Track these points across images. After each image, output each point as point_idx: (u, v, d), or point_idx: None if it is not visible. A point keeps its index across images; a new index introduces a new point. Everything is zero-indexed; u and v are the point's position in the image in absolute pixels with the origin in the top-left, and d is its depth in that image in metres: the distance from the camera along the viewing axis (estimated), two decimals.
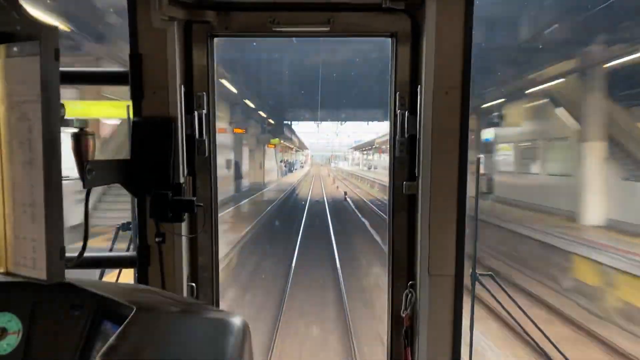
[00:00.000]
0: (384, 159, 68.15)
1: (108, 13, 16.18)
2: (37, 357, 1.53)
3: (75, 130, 1.79)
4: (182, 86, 2.41)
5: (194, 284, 2.57)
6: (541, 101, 24.02)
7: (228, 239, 19.32)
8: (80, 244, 1.84)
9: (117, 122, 18.23)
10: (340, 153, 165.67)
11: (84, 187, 1.87)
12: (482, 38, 19.59)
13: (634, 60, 17.12)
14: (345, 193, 42.76)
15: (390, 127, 2.58)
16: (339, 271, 15.74)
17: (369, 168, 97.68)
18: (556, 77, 21.44)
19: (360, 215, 29.70)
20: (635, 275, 12.40)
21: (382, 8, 2.39)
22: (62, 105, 1.35)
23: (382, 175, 52.53)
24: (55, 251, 1.32)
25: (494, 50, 21.22)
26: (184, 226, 2.44)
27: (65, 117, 1.43)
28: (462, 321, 2.48)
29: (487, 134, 30.46)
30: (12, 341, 1.54)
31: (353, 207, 34.60)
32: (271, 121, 49.41)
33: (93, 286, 1.60)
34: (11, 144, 1.34)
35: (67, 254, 1.42)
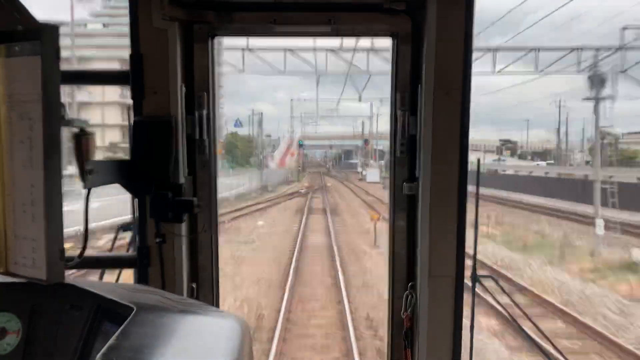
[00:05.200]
0: None
1: None
2: (36, 357, 1.53)
3: (76, 130, 1.79)
4: (183, 86, 2.40)
5: (194, 285, 2.56)
6: None
7: None
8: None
9: None
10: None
11: (84, 187, 1.86)
12: None
13: None
14: None
15: (391, 127, 2.57)
16: None
17: None
18: None
19: None
20: None
21: (383, 8, 2.39)
22: (63, 105, 1.34)
23: None
24: (55, 251, 1.32)
25: None
26: (184, 226, 2.44)
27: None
28: (462, 322, 2.47)
29: None
30: (12, 341, 1.53)
31: None
32: None
33: (93, 286, 1.60)
34: (12, 143, 1.34)
35: (67, 254, 1.42)
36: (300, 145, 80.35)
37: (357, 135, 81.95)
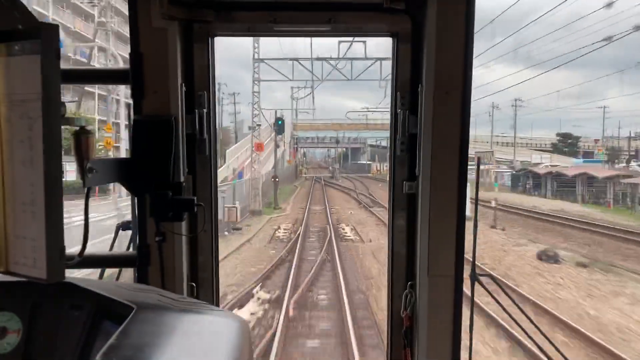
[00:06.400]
0: None
1: None
2: (37, 356, 1.53)
3: (76, 128, 1.79)
4: (183, 85, 2.41)
5: (194, 284, 2.56)
6: None
7: None
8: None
9: None
10: None
11: (84, 186, 1.86)
12: None
13: None
14: None
15: (391, 126, 2.58)
16: None
17: None
18: None
19: None
20: None
21: (383, 8, 2.39)
22: (63, 104, 1.34)
23: None
24: (55, 250, 1.32)
25: None
26: (183, 225, 2.44)
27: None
28: (461, 321, 2.47)
29: None
30: (12, 340, 1.53)
31: None
32: None
33: (93, 286, 1.60)
34: (11, 143, 1.34)
35: (67, 253, 1.42)
36: (280, 126, 40.07)
37: (375, 122, 54.59)
